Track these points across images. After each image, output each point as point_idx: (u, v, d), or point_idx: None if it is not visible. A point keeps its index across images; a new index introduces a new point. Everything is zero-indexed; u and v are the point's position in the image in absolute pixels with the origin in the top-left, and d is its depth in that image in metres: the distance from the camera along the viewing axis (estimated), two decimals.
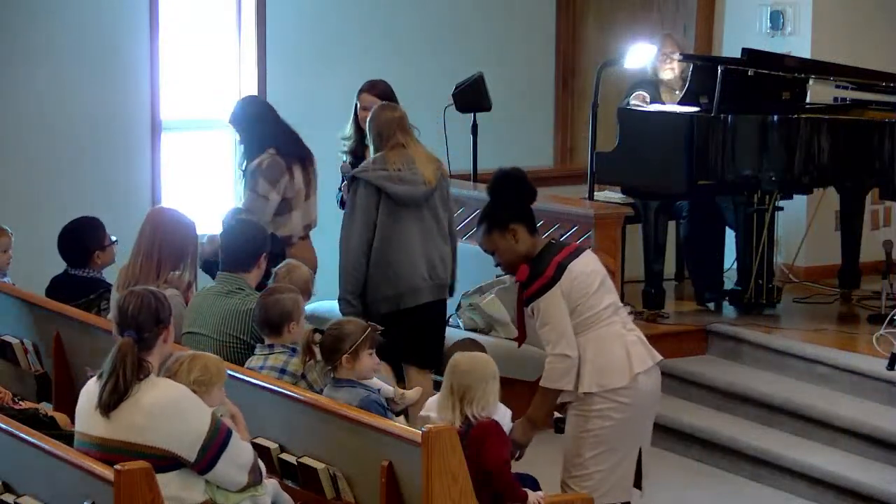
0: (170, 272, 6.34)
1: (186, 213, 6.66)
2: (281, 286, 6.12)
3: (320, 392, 5.65)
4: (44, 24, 8.95)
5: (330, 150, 7.99)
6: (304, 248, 7.80)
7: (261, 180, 7.63)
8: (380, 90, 7.86)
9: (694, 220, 9.12)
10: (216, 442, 4.73)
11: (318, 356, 5.68)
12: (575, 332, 5.69)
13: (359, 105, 7.86)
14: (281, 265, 6.64)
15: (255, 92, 9.59)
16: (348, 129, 7.96)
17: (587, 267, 5.76)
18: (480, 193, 8.95)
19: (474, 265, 8.58)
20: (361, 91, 7.89)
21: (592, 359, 5.68)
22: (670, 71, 9.18)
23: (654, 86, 9.17)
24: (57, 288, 7.01)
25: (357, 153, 7.90)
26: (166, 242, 6.35)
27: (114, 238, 7.12)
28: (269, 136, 7.73)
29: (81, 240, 7.06)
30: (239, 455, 4.83)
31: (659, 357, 5.87)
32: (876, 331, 7.98)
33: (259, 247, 6.46)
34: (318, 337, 5.67)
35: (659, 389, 5.89)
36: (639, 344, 5.80)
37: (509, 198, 5.82)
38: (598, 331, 5.71)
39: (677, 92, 9.15)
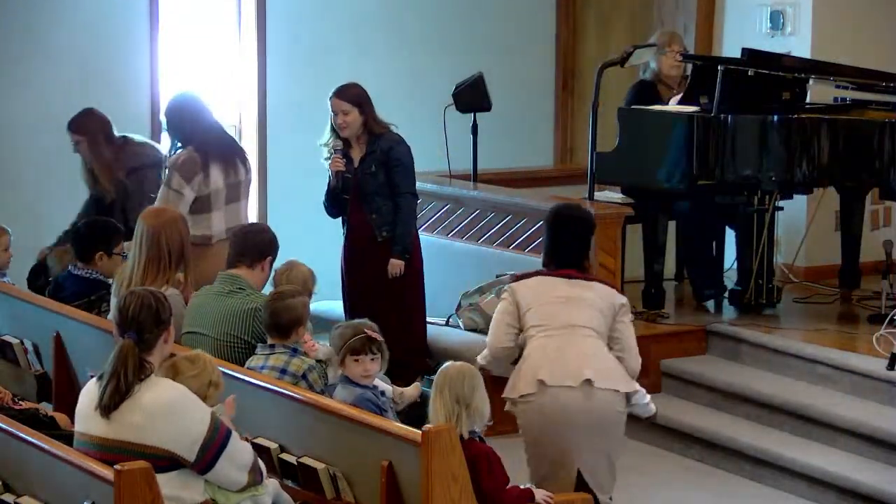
0: (175, 272, 6.34)
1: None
2: (288, 289, 6.10)
3: (320, 392, 5.67)
4: (44, 25, 8.94)
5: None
6: (224, 251, 6.93)
7: (175, 175, 7.47)
8: (349, 95, 7.77)
9: (694, 220, 9.11)
10: (216, 442, 4.74)
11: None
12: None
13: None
14: (282, 263, 6.64)
15: (255, 92, 9.59)
16: (326, 133, 7.86)
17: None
18: (480, 193, 8.98)
19: (474, 265, 8.59)
20: (331, 96, 7.80)
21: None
22: (676, 69, 9.18)
23: (652, 86, 9.17)
24: (60, 286, 6.99)
25: (345, 152, 7.83)
26: (173, 244, 6.35)
27: (126, 254, 6.99)
28: (194, 133, 7.56)
29: (92, 234, 7.00)
30: (239, 455, 4.84)
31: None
32: (876, 331, 7.96)
33: (265, 247, 6.46)
34: None
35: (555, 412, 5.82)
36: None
37: None
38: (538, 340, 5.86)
39: (675, 91, 9.15)
